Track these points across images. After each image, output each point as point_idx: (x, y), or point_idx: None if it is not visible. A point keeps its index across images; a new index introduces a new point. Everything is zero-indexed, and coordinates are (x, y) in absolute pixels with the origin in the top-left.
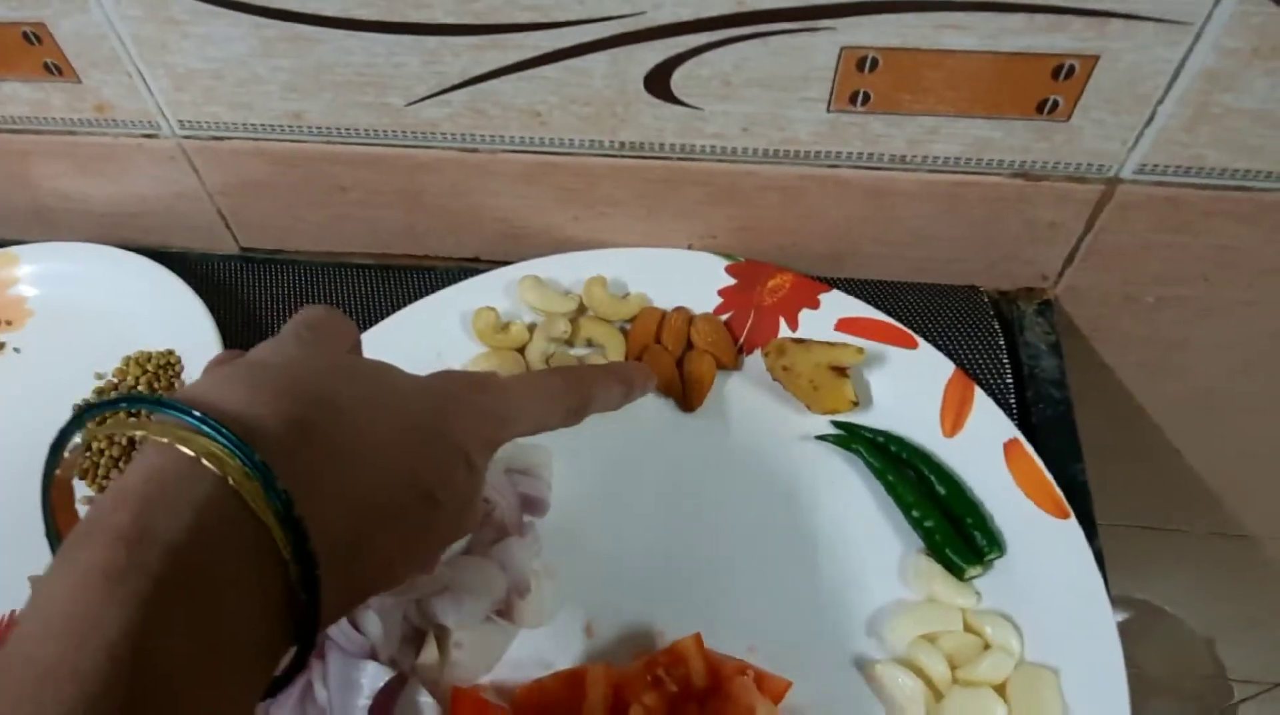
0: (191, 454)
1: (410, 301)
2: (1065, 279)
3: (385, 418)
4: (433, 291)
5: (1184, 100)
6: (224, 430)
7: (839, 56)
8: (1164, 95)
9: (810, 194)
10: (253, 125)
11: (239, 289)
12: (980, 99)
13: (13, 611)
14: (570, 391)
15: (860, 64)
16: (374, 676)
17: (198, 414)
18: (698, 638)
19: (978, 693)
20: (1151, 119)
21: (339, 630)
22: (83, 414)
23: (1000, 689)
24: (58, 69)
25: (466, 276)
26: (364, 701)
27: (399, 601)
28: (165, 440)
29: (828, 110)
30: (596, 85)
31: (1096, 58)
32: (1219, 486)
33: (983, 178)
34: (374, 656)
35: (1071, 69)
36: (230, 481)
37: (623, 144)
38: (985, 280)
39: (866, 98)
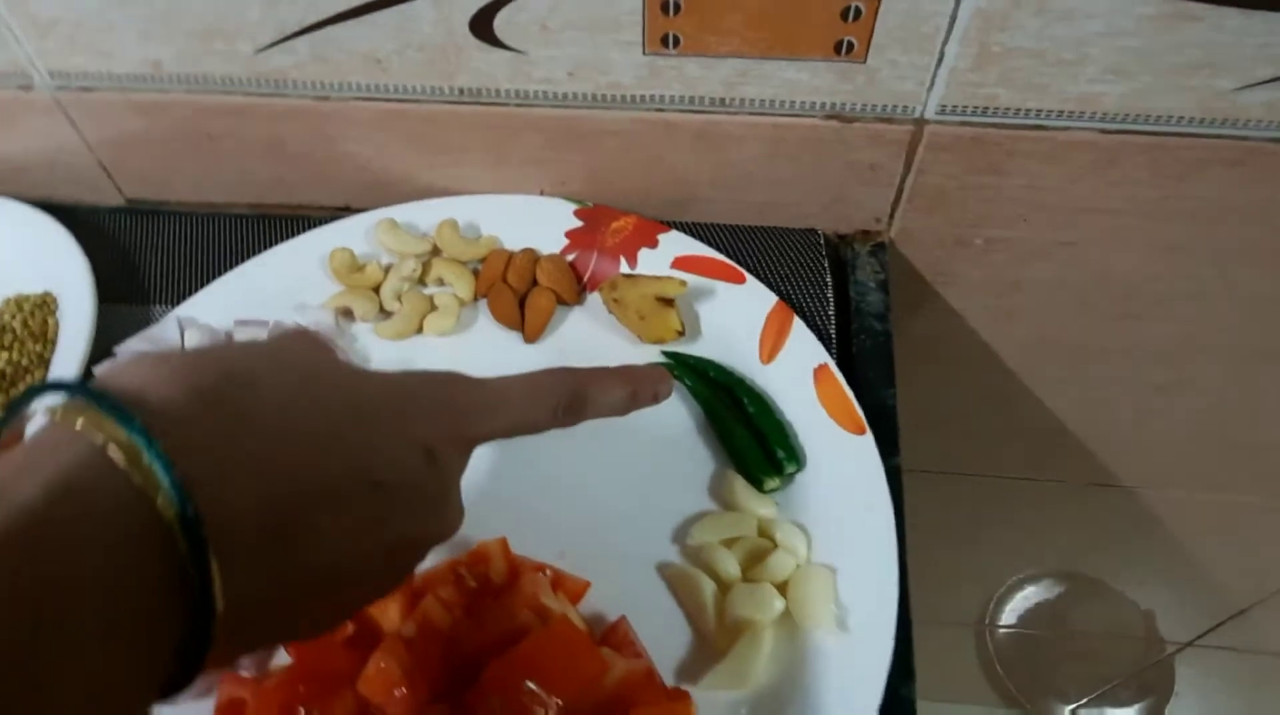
0: (68, 420)
1: None
2: (897, 222)
3: (326, 405)
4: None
5: (966, 40)
6: (103, 395)
7: None
8: (947, 36)
9: (643, 138)
10: (116, 75)
11: (123, 238)
12: (780, 41)
13: None
14: (560, 390)
15: (664, 7)
16: None
17: (74, 382)
18: (503, 541)
19: (759, 587)
20: (941, 59)
21: None
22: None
23: (782, 587)
24: None
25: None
26: None
27: None
28: (52, 415)
29: (644, 53)
30: (426, 30)
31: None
32: (1084, 435)
33: (799, 119)
34: None
35: (859, 11)
36: (106, 445)
37: (461, 90)
38: (822, 223)
39: (677, 40)
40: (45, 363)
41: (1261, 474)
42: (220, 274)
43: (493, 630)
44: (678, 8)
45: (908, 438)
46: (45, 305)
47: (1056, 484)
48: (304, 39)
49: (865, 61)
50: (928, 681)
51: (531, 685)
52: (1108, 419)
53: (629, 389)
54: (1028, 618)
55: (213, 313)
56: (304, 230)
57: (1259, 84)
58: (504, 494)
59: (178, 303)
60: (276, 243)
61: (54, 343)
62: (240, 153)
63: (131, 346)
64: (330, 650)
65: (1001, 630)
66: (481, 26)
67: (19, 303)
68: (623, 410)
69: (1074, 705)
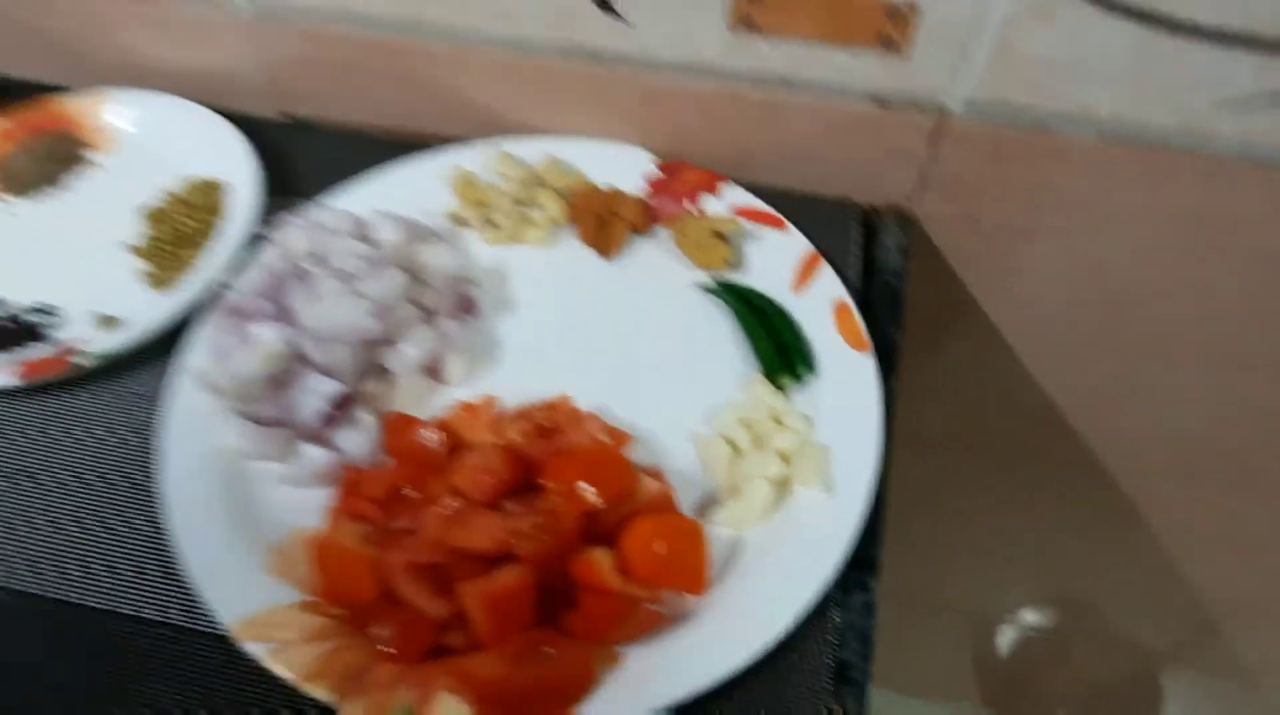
0: None
1: None
2: (922, 202)
3: None
4: None
5: (986, 45)
6: None
7: None
8: (974, 41)
9: (719, 107)
10: (307, 8)
11: (276, 145)
12: (836, 30)
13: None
14: None
15: None
16: (330, 388)
17: None
18: (567, 396)
19: (766, 453)
20: (966, 59)
21: (317, 348)
22: None
23: (785, 457)
24: None
25: None
26: (320, 404)
27: (357, 344)
28: None
29: (727, 29)
30: None
31: (916, 4)
32: (1073, 418)
33: (845, 102)
34: (334, 377)
35: (900, 10)
36: None
37: (575, 46)
38: (858, 194)
39: (754, 21)
40: (218, 232)
41: (1238, 472)
42: (355, 179)
43: (555, 446)
44: None
45: (913, 406)
46: (217, 187)
47: (1050, 483)
48: None
49: (905, 56)
50: (920, 673)
51: (581, 483)
52: (1095, 403)
53: None
54: (1023, 638)
55: (355, 206)
56: (421, 153)
57: (1230, 105)
58: (571, 368)
59: (322, 197)
60: (395, 159)
61: (225, 217)
62: (381, 84)
63: (285, 220)
64: (428, 452)
65: (997, 635)
66: None
67: (196, 183)
68: None
69: None
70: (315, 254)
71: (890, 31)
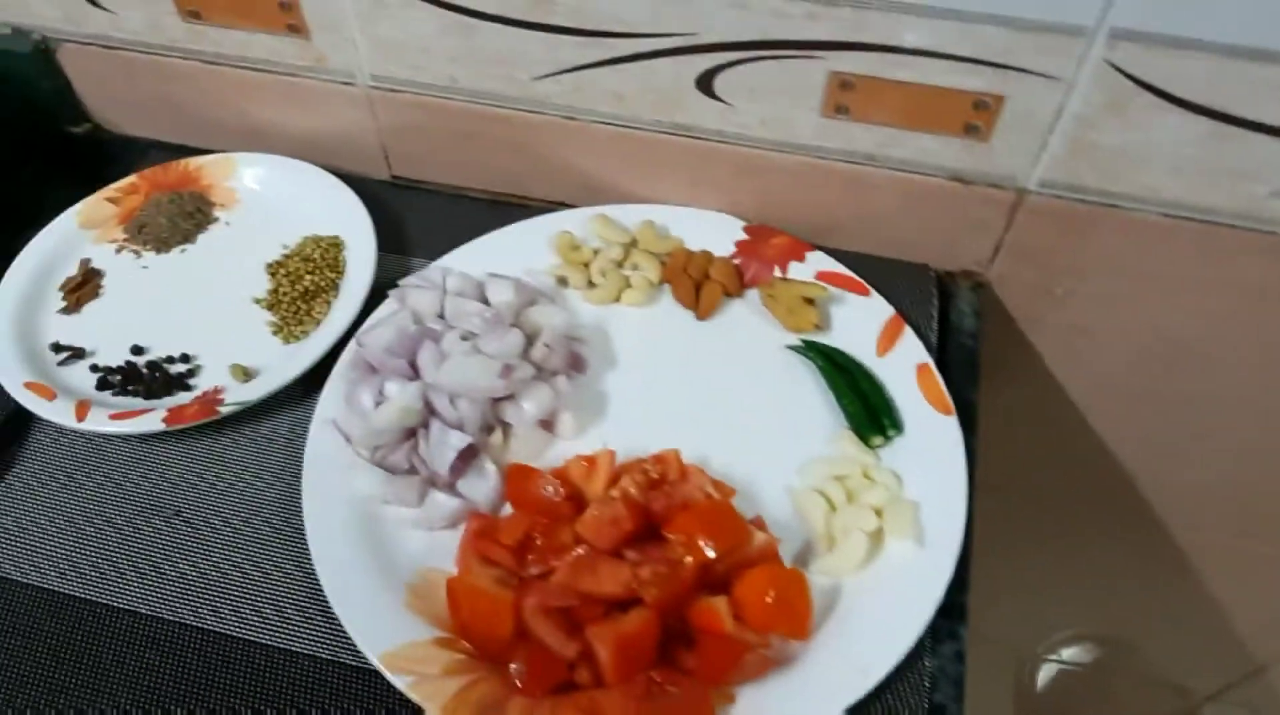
0: None
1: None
2: (994, 268)
3: None
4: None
5: (1065, 135)
6: None
7: (828, 77)
8: (1051, 129)
9: (806, 178)
10: (420, 83)
11: (388, 204)
12: (925, 118)
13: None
14: None
15: (842, 84)
16: (459, 441)
17: None
18: (676, 451)
19: (860, 508)
20: (1044, 147)
21: (448, 404)
22: None
23: (878, 511)
24: (296, 29)
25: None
26: (452, 455)
27: (482, 400)
28: None
29: (820, 116)
30: (662, 80)
31: (1003, 98)
32: (1132, 470)
33: (928, 178)
34: (461, 430)
35: (986, 104)
36: None
37: (678, 125)
38: (934, 260)
39: (846, 109)
40: (337, 286)
41: None
42: (458, 239)
43: (673, 500)
44: (851, 85)
45: (982, 452)
46: (336, 244)
47: (1101, 527)
48: (570, 75)
49: (988, 141)
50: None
51: (699, 537)
52: (1151, 453)
53: None
54: (1064, 673)
55: (463, 266)
56: (525, 215)
57: None
58: (671, 422)
59: (431, 257)
60: (502, 222)
61: (344, 272)
62: (491, 151)
63: (409, 281)
64: (552, 504)
65: (1038, 670)
66: (705, 82)
67: (316, 241)
68: None
69: None
70: (439, 313)
71: (975, 121)
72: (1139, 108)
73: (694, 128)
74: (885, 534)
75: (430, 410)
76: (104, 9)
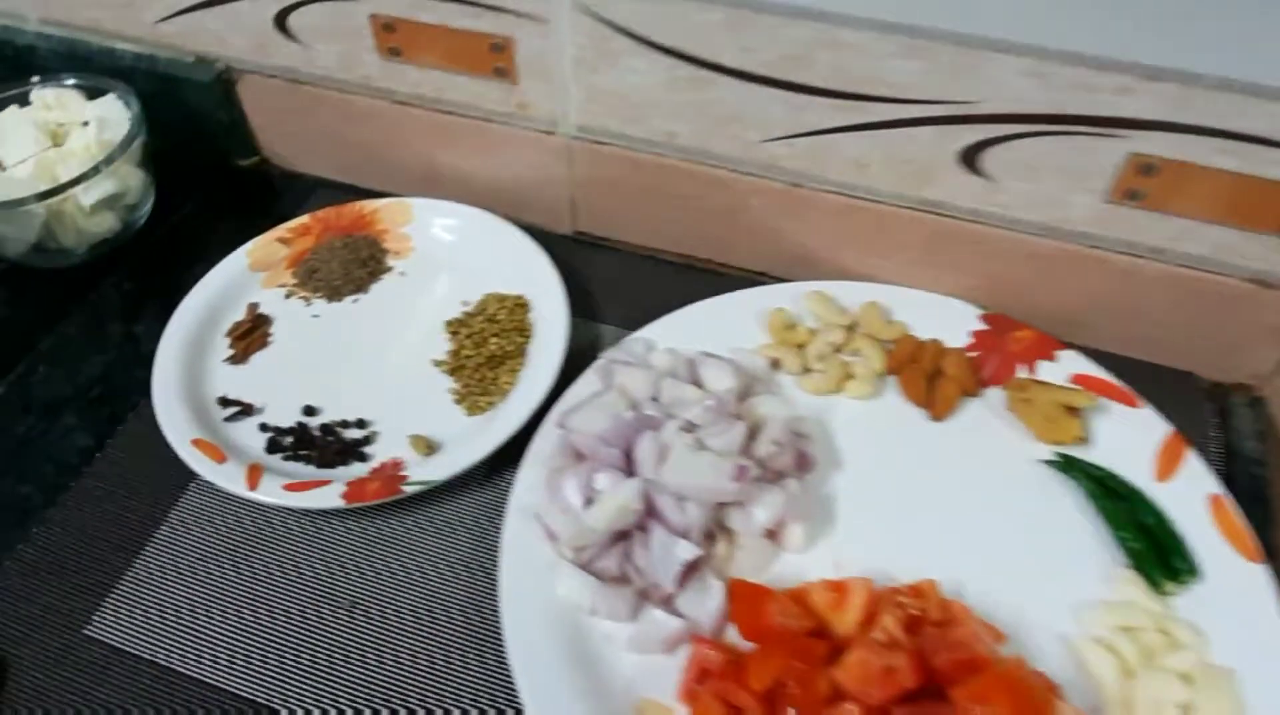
0: None
1: (702, 298)
2: (1274, 381)
3: None
4: (723, 293)
5: None
6: None
7: (1126, 159)
8: None
9: (1066, 267)
10: (633, 138)
11: (568, 261)
12: (1235, 212)
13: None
14: None
15: (1143, 168)
16: (687, 551)
17: None
18: (933, 582)
19: (1164, 675)
20: None
21: (673, 507)
22: None
23: (1186, 679)
24: (504, 73)
25: (753, 286)
26: (678, 567)
27: (709, 505)
28: None
29: (1104, 201)
30: (918, 150)
31: None
32: None
33: (1221, 278)
34: (687, 538)
35: None
36: None
37: (924, 200)
38: (1201, 369)
39: (1139, 195)
40: (525, 353)
41: None
42: (648, 305)
43: (955, 652)
44: (1155, 170)
45: None
46: (523, 305)
47: None
48: (807, 139)
49: None
50: None
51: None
52: None
53: None
54: None
55: (667, 340)
56: (719, 283)
57: None
58: (908, 539)
59: (620, 323)
60: (694, 288)
61: (531, 337)
62: (695, 213)
63: (614, 356)
64: (794, 636)
65: None
66: (970, 155)
67: (500, 299)
68: None
69: None
70: (654, 397)
71: None
72: None
73: (943, 204)
74: (1198, 709)
75: (650, 511)
76: (298, 41)
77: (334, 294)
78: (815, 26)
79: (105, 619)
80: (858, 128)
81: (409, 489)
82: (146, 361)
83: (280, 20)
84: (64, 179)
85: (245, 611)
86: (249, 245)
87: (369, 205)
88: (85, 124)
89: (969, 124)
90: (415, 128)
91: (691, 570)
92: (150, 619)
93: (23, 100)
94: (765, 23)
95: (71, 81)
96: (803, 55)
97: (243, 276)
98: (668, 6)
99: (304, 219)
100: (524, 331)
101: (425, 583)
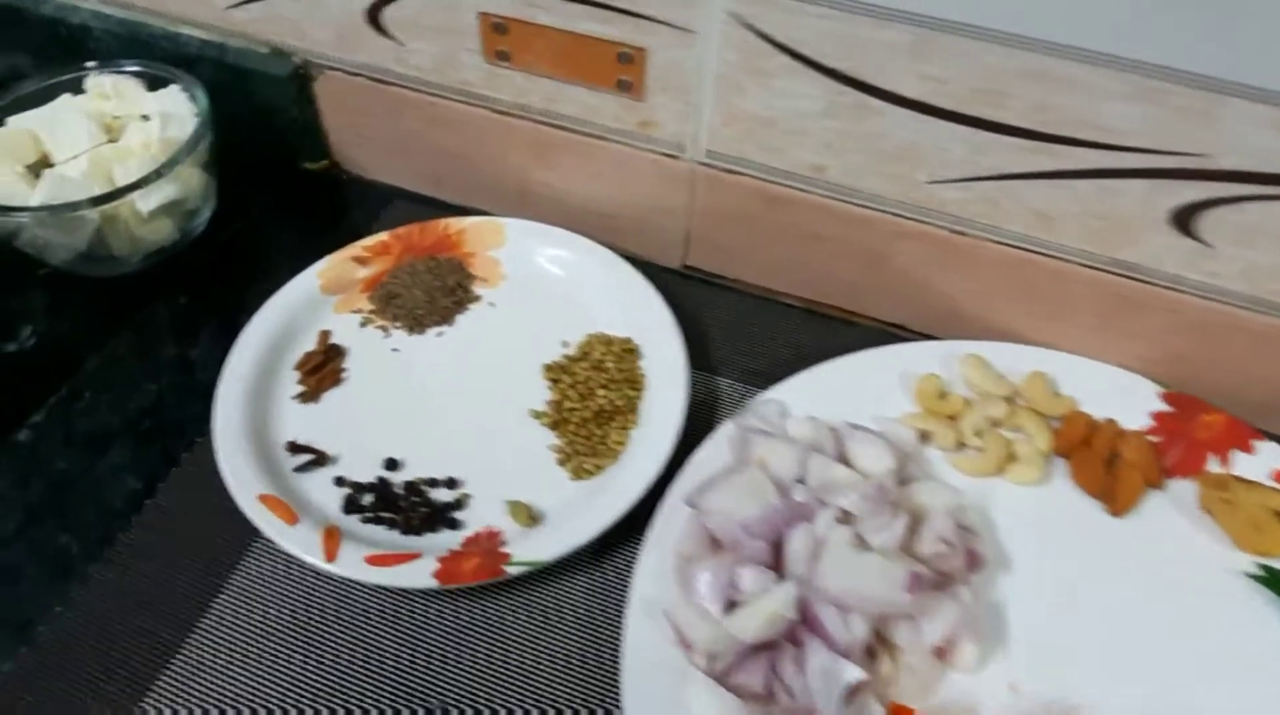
0: None
1: (830, 349)
2: None
3: None
4: (853, 344)
5: None
6: None
7: None
8: None
9: (1274, 345)
10: (772, 168)
11: (677, 300)
12: None
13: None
14: None
15: None
16: (852, 674)
17: None
18: None
19: None
20: None
21: (835, 624)
22: None
23: None
24: (629, 86)
25: (888, 339)
26: (840, 691)
27: (872, 615)
28: None
29: None
30: (1122, 206)
31: None
32: None
33: None
34: (849, 656)
35: None
36: None
37: (1115, 261)
38: None
39: None
40: (636, 408)
41: None
42: (770, 355)
43: None
44: None
45: None
46: (632, 351)
47: None
48: (985, 183)
49: None
50: None
51: None
52: None
53: None
54: None
55: (801, 403)
56: (850, 333)
57: None
58: (1088, 658)
59: (740, 377)
60: (822, 338)
61: (643, 389)
62: (836, 255)
63: (749, 423)
64: None
65: None
66: (1184, 216)
67: (606, 342)
68: None
69: None
70: (800, 479)
71: None
72: None
73: (1139, 267)
74: None
75: (805, 620)
76: (391, 38)
77: (416, 325)
78: (1022, 56)
79: (152, 709)
80: (1050, 175)
81: (512, 570)
82: (203, 392)
83: (373, 13)
84: (121, 180)
85: (322, 706)
86: (321, 264)
87: (455, 224)
88: (145, 118)
89: (1191, 180)
90: (513, 141)
91: (852, 695)
92: (208, 710)
93: (76, 87)
94: (959, 48)
95: (132, 69)
96: (998, 89)
97: (314, 300)
98: (840, 24)
99: (383, 237)
100: (635, 383)
101: (527, 682)
